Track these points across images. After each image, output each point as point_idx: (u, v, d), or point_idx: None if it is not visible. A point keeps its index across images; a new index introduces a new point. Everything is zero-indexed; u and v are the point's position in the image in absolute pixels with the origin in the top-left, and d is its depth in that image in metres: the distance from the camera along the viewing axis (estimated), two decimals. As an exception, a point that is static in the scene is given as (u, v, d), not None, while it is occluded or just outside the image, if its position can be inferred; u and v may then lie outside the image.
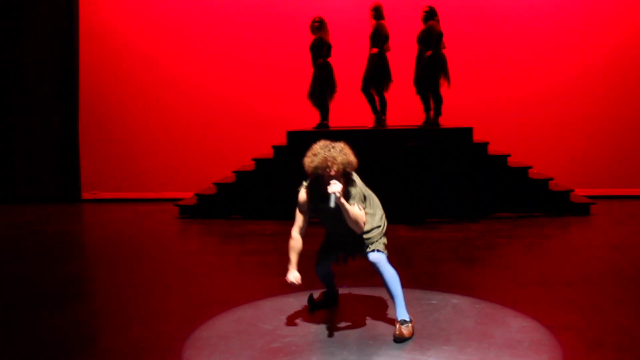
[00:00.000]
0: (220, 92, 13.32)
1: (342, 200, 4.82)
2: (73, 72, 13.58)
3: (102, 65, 13.53)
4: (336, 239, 5.23)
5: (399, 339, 4.79)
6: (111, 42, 13.49)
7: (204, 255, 8.45)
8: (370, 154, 9.48)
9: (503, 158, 10.69)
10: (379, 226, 5.11)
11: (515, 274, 6.89)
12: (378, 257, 4.99)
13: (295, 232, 5.12)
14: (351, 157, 4.97)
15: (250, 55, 13.19)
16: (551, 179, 10.83)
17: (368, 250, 5.02)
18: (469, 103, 12.53)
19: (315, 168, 4.89)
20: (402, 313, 4.93)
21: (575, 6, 12.77)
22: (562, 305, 5.67)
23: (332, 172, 4.85)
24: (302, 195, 5.12)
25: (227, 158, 12.54)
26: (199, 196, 11.21)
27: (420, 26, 10.75)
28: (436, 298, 5.86)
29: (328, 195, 4.80)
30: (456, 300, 5.81)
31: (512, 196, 10.59)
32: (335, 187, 4.76)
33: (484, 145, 10.66)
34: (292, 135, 10.71)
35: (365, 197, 5.08)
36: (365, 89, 10.86)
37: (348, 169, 4.96)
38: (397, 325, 4.87)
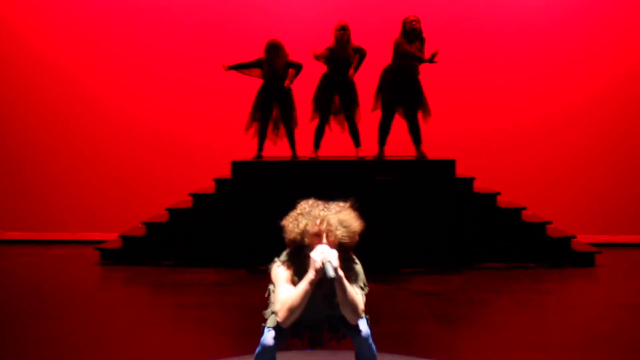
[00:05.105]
0: (150, 117, 13.31)
1: (341, 273, 4.16)
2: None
3: (7, 85, 13.48)
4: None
5: None
6: (21, 58, 13.48)
7: (130, 308, 8.37)
8: (331, 188, 9.51)
9: (492, 197, 10.83)
10: None
11: (504, 336, 6.94)
12: (368, 331, 4.38)
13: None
14: (355, 224, 4.41)
15: (186, 73, 13.24)
16: (549, 222, 10.95)
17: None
18: (452, 132, 12.66)
19: (303, 233, 4.25)
20: None
21: (575, 32, 13.05)
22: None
23: (324, 242, 4.22)
24: (281, 268, 4.34)
25: (159, 193, 12.47)
26: (124, 238, 11.14)
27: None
28: (410, 364, 5.89)
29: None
30: (434, 366, 5.85)
31: (502, 242, 10.68)
32: (330, 255, 4.12)
33: (469, 180, 10.78)
34: (237, 165, 10.56)
35: (364, 284, 4.52)
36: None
37: (347, 244, 4.37)
38: None
